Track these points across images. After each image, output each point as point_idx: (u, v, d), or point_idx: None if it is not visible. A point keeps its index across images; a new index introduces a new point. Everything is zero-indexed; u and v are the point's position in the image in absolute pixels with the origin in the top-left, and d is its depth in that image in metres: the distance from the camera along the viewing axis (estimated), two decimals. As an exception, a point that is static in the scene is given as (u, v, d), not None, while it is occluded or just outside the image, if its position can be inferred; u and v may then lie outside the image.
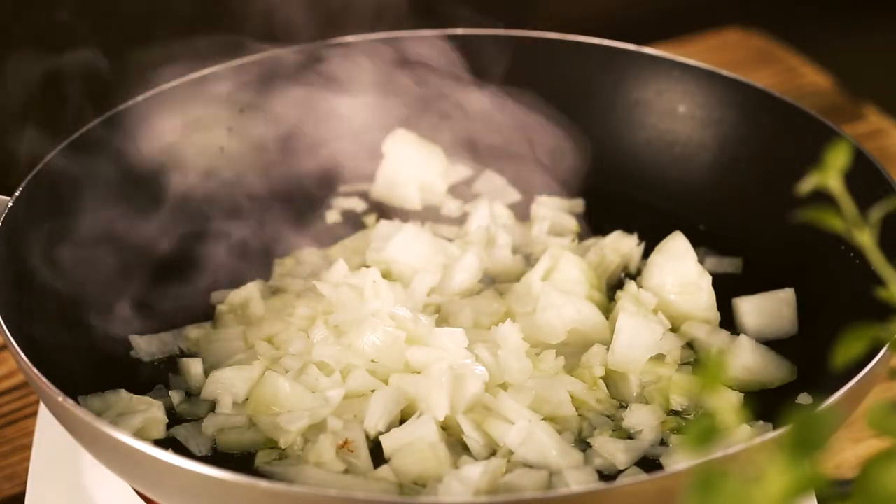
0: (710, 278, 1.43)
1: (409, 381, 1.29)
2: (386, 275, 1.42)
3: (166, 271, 1.49)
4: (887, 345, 1.14)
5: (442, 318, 1.42)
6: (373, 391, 1.31)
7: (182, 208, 1.55)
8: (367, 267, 1.44)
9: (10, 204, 1.35)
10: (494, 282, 1.49)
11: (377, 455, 1.27)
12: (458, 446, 1.28)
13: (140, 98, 1.53)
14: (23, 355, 1.20)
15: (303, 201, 1.60)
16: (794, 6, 2.98)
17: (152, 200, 1.54)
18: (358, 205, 1.61)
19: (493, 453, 1.26)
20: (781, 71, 2.04)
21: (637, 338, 1.34)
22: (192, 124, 1.57)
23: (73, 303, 1.40)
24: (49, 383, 1.17)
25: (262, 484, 1.11)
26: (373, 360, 1.32)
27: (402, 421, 1.29)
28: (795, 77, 2.02)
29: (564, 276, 1.42)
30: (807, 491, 0.70)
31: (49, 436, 1.35)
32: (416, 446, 1.24)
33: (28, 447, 1.38)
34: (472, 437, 1.27)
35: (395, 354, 1.32)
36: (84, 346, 1.38)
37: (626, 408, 1.32)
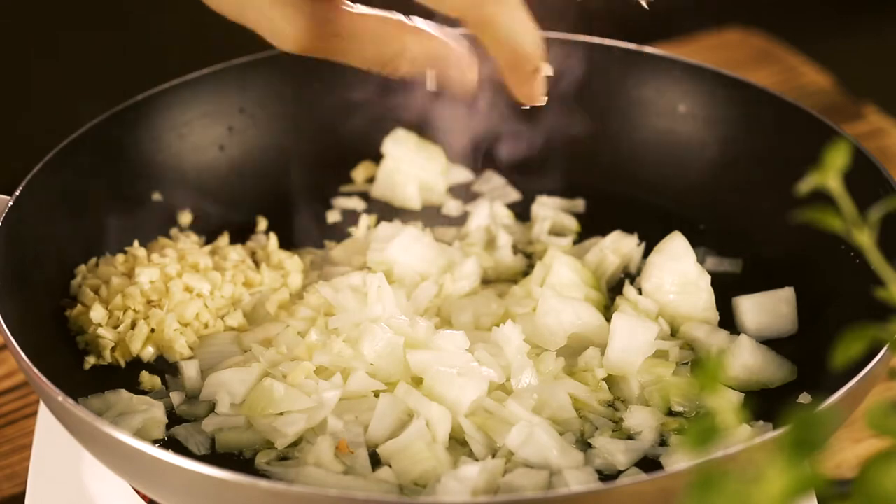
0: (709, 278, 1.43)
1: (415, 398, 1.29)
2: (387, 276, 1.42)
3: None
4: (887, 345, 1.14)
5: (442, 319, 1.42)
6: (374, 392, 1.31)
7: (181, 208, 1.55)
8: (369, 268, 1.44)
9: (11, 204, 1.35)
10: (495, 282, 1.49)
11: (377, 456, 1.27)
12: (457, 447, 1.28)
13: (140, 97, 1.53)
14: (23, 355, 1.19)
15: (303, 201, 1.60)
16: (794, 6, 2.98)
17: (152, 199, 1.54)
18: (358, 205, 1.61)
19: (493, 454, 1.26)
20: (781, 71, 2.04)
21: (631, 339, 1.34)
22: (192, 123, 1.57)
23: (74, 302, 1.40)
24: (49, 383, 1.17)
25: (262, 484, 1.11)
26: (372, 364, 1.32)
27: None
28: (795, 77, 2.02)
29: (559, 280, 1.42)
30: (807, 491, 0.70)
31: (49, 436, 1.35)
32: (414, 447, 1.24)
33: (28, 447, 1.38)
34: (474, 438, 1.27)
35: (395, 360, 1.31)
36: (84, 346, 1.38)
37: (626, 409, 1.32)
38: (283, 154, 1.62)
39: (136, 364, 1.37)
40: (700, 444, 0.72)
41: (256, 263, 1.48)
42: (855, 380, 1.15)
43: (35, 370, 1.18)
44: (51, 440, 1.34)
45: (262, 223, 1.57)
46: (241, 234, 1.54)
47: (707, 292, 1.42)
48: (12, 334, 1.21)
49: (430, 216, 1.59)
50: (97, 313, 1.37)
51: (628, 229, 1.53)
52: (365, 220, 1.57)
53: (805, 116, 1.50)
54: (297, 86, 1.61)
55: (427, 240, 1.48)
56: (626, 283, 1.46)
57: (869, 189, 1.31)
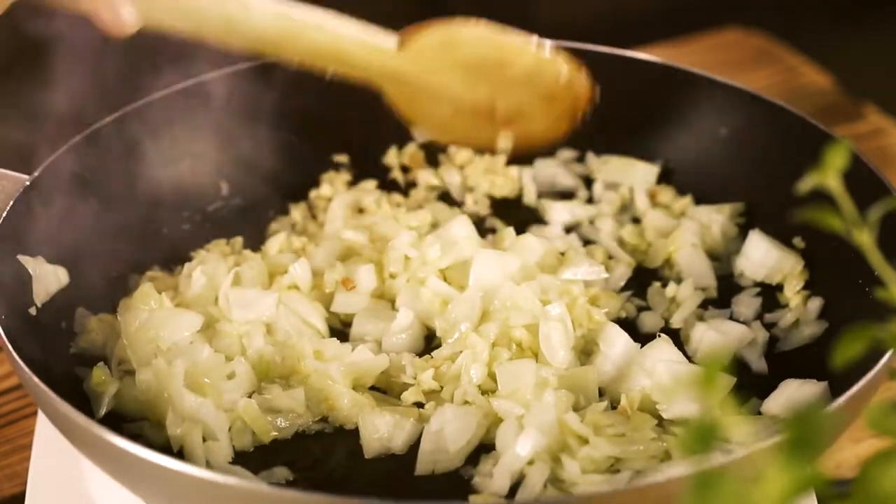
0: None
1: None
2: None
3: (169, 270, 1.49)
4: (891, 350, 1.13)
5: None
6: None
7: (183, 207, 1.55)
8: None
9: (11, 204, 1.35)
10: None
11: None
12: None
13: (147, 98, 1.53)
14: (19, 360, 1.19)
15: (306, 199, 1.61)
16: (794, 6, 2.98)
17: (155, 198, 1.53)
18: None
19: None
20: (781, 71, 2.04)
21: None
22: (198, 124, 1.57)
23: (73, 301, 1.40)
24: (47, 388, 1.16)
25: (265, 489, 1.10)
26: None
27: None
28: (795, 77, 2.02)
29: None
30: (807, 491, 0.70)
31: (49, 435, 1.35)
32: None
33: (28, 447, 1.38)
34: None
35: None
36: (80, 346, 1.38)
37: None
38: (287, 156, 1.61)
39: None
40: (699, 446, 0.72)
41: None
42: (858, 385, 1.13)
43: (29, 372, 1.17)
44: (51, 440, 1.34)
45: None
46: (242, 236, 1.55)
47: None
48: (9, 340, 1.21)
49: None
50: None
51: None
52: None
53: (802, 121, 1.50)
54: (300, 90, 1.61)
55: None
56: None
57: (868, 191, 1.30)
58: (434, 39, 1.41)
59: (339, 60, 1.39)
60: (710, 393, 0.74)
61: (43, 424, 1.36)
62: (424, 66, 1.41)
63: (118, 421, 1.30)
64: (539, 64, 1.46)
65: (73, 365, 1.35)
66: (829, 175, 0.80)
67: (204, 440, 1.26)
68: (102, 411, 1.30)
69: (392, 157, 1.65)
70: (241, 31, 1.33)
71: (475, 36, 1.42)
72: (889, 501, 0.72)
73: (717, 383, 0.74)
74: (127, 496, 1.28)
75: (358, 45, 1.39)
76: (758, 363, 1.38)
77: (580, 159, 1.65)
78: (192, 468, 1.09)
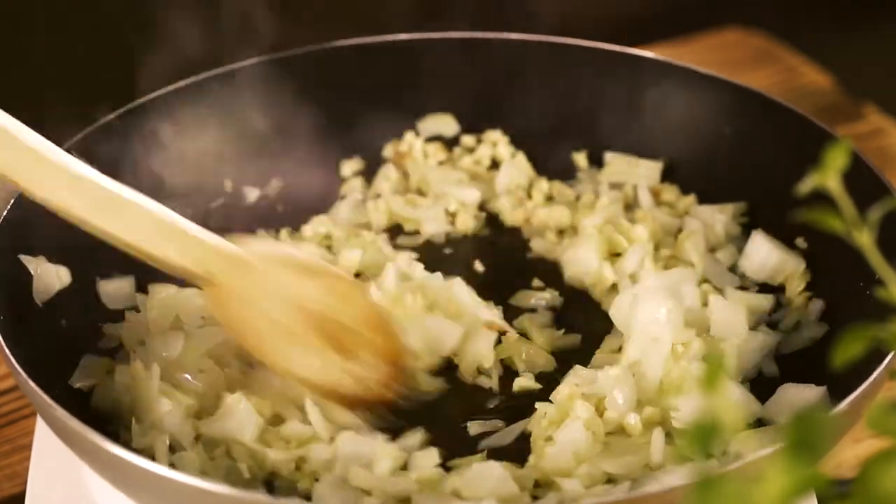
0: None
1: None
2: None
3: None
4: (893, 352, 1.13)
5: None
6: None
7: (186, 203, 1.55)
8: None
9: (12, 202, 1.34)
10: None
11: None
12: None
13: (151, 95, 1.53)
14: (16, 364, 1.18)
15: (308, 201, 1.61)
16: (794, 6, 2.98)
17: (158, 194, 1.53)
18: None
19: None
20: (781, 71, 2.04)
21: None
22: (204, 121, 1.56)
23: (75, 300, 1.40)
24: (40, 391, 1.15)
25: (264, 500, 1.10)
26: None
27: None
28: (795, 77, 2.02)
29: None
30: (807, 492, 0.70)
31: (49, 436, 1.35)
32: None
33: (28, 447, 1.38)
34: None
35: None
36: (81, 347, 1.38)
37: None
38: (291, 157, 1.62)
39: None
40: (699, 446, 0.72)
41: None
42: (860, 388, 1.12)
43: (29, 381, 1.16)
44: (51, 440, 1.34)
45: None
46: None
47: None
48: (5, 341, 1.20)
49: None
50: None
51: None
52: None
53: (808, 123, 1.49)
54: (301, 92, 1.61)
55: None
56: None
57: (868, 192, 1.30)
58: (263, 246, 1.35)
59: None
60: (711, 395, 0.74)
61: (43, 424, 1.36)
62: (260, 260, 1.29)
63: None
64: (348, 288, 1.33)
65: (72, 364, 1.35)
66: (829, 175, 0.80)
67: (174, 451, 1.25)
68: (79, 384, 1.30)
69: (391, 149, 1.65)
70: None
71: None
72: (889, 501, 0.72)
73: (719, 385, 0.74)
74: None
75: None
76: (768, 367, 1.37)
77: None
78: (184, 476, 1.07)
